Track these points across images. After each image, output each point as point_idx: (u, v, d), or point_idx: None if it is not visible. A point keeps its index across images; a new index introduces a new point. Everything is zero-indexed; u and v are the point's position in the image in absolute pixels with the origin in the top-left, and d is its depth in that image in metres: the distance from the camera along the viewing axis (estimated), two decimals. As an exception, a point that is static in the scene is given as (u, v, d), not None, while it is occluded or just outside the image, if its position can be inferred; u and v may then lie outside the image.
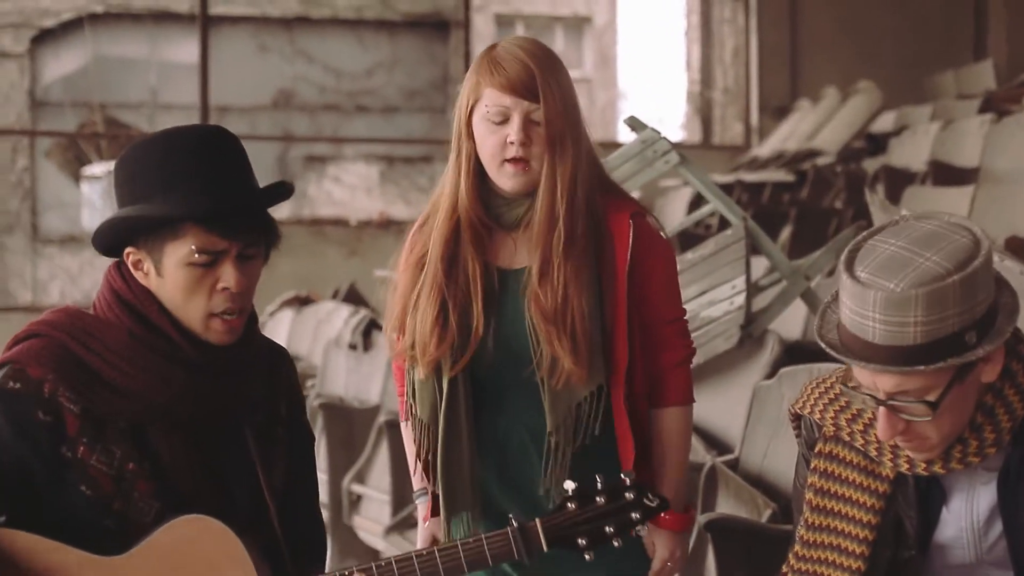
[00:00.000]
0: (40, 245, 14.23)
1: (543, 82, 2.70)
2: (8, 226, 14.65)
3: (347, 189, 14.89)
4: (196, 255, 2.23)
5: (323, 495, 6.21)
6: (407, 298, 2.79)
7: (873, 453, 2.25)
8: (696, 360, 3.01)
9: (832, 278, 5.32)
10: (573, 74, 2.81)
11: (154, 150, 2.28)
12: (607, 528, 2.33)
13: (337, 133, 14.58)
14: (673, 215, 8.68)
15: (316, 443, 6.60)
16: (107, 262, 2.35)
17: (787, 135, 10.55)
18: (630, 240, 2.76)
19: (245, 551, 2.24)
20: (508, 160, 2.71)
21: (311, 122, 14.93)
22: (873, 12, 11.49)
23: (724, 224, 4.96)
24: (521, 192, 2.76)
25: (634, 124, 4.57)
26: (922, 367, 2.03)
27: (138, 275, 2.29)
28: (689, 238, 6.88)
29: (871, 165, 8.89)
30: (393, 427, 5.42)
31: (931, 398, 2.07)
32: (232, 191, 2.26)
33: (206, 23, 12.52)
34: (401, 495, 5.57)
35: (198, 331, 2.28)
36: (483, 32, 16.15)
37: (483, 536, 2.35)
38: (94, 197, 13.81)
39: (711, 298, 4.51)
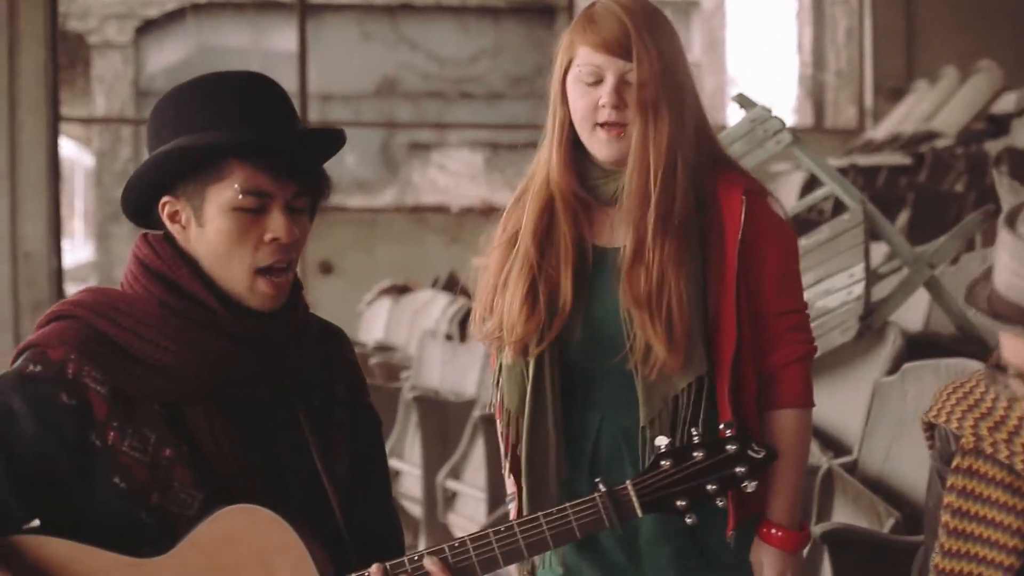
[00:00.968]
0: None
1: (639, 40, 2.49)
2: (114, 214, 14.82)
3: (451, 176, 14.85)
4: (242, 196, 2.02)
5: (417, 490, 6.08)
6: (497, 277, 2.60)
7: (1020, 467, 1.97)
8: (811, 354, 2.73)
9: (956, 266, 5.04)
10: (681, 59, 2.58)
11: (192, 91, 2.08)
12: (708, 486, 2.09)
13: (441, 120, 14.50)
14: (784, 200, 8.33)
15: (411, 438, 6.41)
16: None
17: (903, 117, 10.19)
18: (741, 219, 2.53)
19: (301, 543, 2.01)
20: (600, 124, 2.51)
21: (415, 109, 14.91)
22: (992, -10, 11.10)
23: (839, 208, 4.69)
24: (616, 160, 2.54)
25: (743, 102, 4.31)
26: None
27: (174, 229, 2.06)
28: (802, 224, 6.57)
29: (993, 147, 8.51)
30: (489, 422, 5.25)
31: None
32: (282, 127, 2.06)
33: (304, 11, 12.48)
34: (498, 493, 5.38)
35: (240, 293, 2.05)
36: (588, 17, 15.87)
37: (567, 505, 2.12)
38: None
39: (827, 287, 4.24)
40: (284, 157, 2.05)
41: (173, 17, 14.98)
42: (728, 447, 2.10)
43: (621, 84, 2.51)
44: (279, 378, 2.10)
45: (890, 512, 3.54)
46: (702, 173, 2.57)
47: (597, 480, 2.11)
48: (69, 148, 16.27)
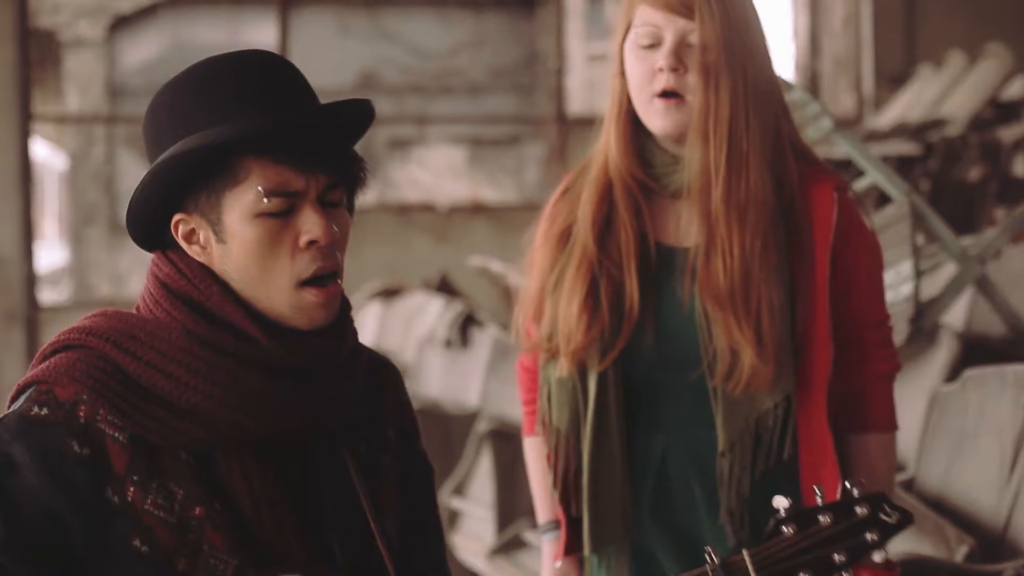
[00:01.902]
0: (119, 236, 13.95)
1: None
2: (86, 217, 14.49)
3: (433, 173, 14.67)
4: (266, 199, 1.69)
5: (418, 509, 5.72)
6: (545, 278, 2.32)
7: None
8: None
9: (997, 261, 4.70)
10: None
11: (187, 83, 1.74)
12: (835, 556, 1.78)
13: (422, 115, 14.30)
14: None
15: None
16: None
17: (909, 104, 9.88)
18: (833, 220, 2.26)
19: None
20: (658, 95, 2.22)
21: (395, 104, 14.66)
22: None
23: (882, 200, 4.35)
24: (674, 134, 2.24)
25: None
26: None
27: (194, 251, 1.75)
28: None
29: (1007, 134, 8.20)
30: (498, 437, 4.96)
31: None
32: (301, 109, 1.73)
33: (285, 5, 12.21)
34: (507, 511, 5.07)
35: (284, 313, 1.72)
36: (573, 8, 15.74)
37: None
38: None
39: (873, 287, 3.88)
40: (307, 143, 1.70)
41: (147, 12, 14.77)
42: (858, 509, 1.80)
43: (681, 46, 2.23)
44: (330, 418, 1.77)
45: (962, 538, 3.20)
46: (785, 159, 2.27)
47: (708, 549, 1.79)
48: (41, 149, 16.04)
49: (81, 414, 1.69)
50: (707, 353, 2.24)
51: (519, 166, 14.62)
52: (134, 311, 1.78)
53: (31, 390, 1.71)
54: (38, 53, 13.57)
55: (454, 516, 5.49)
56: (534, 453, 2.43)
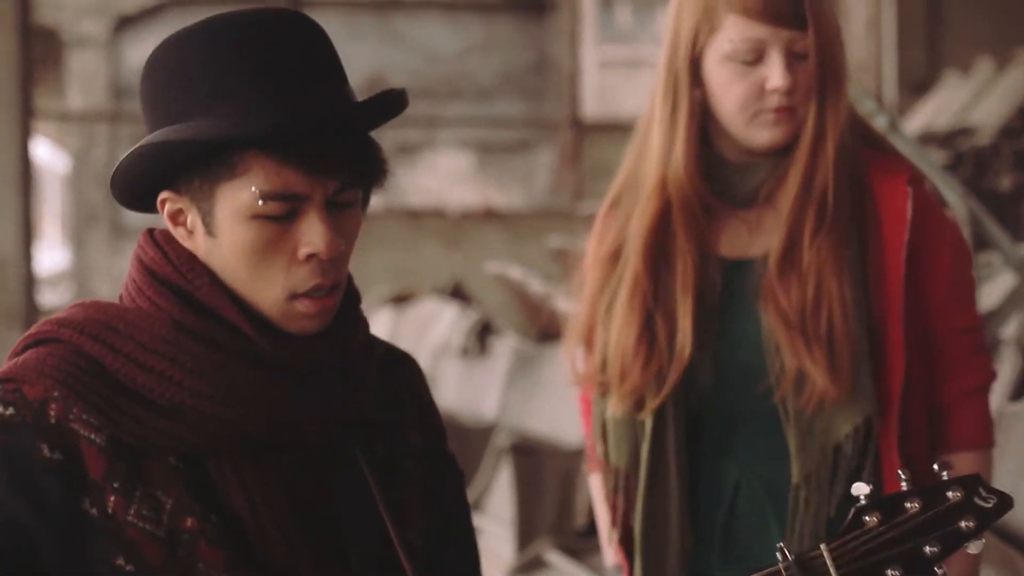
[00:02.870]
0: (122, 238, 13.92)
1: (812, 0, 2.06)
2: (88, 218, 14.37)
3: (441, 178, 14.55)
4: (262, 202, 1.49)
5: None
6: (596, 303, 2.15)
7: None
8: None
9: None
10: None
11: (195, 45, 1.52)
12: (927, 547, 1.57)
13: (430, 119, 14.23)
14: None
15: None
16: None
17: (935, 111, 9.68)
18: (908, 215, 2.07)
19: None
20: (772, 110, 2.07)
21: None
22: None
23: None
24: (778, 146, 2.08)
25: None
26: None
27: (178, 234, 1.57)
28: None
29: (1040, 143, 8.01)
30: (518, 452, 4.79)
31: None
32: (316, 99, 1.50)
33: (293, 7, 12.04)
34: (527, 529, 4.93)
35: (274, 319, 1.54)
36: (585, 13, 15.63)
37: None
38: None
39: (930, 298, 3.67)
40: (319, 144, 1.49)
41: (151, 13, 14.68)
42: (950, 494, 1.59)
43: (790, 60, 2.05)
44: (336, 419, 1.58)
45: (1036, 572, 2.97)
46: (858, 155, 2.11)
47: (781, 544, 1.58)
48: (43, 149, 15.93)
49: (52, 413, 1.50)
50: (773, 369, 2.06)
51: (529, 171, 14.55)
52: (117, 301, 1.59)
53: None
54: (40, 51, 13.46)
55: (470, 534, 5.32)
56: (598, 492, 2.25)
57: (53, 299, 14.14)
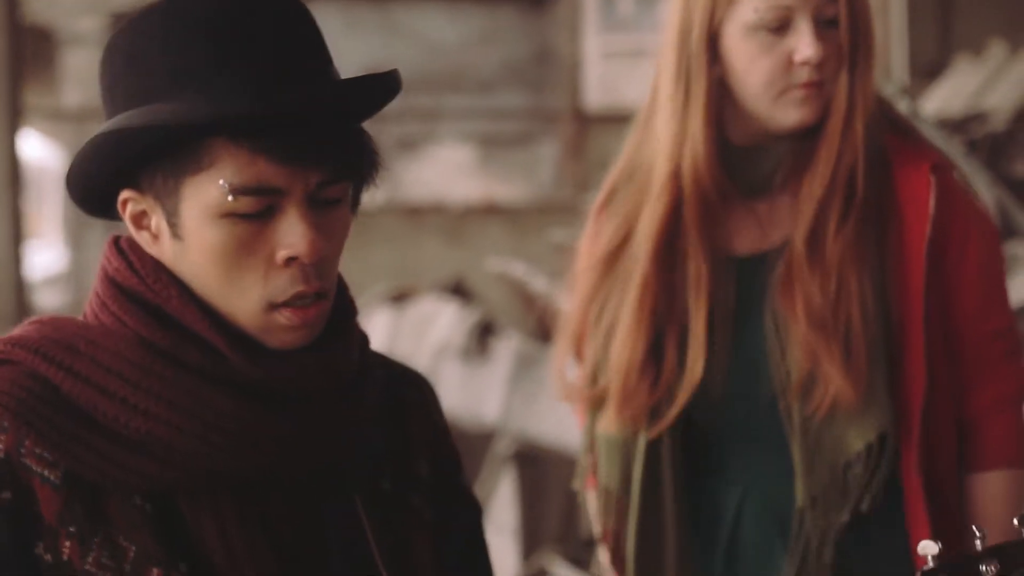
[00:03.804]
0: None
1: None
2: (85, 219, 14.22)
3: (443, 171, 14.45)
4: (232, 197, 1.34)
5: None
6: (587, 309, 1.98)
7: None
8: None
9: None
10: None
11: (157, 22, 1.36)
12: None
13: (431, 112, 14.17)
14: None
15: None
16: None
17: (948, 96, 9.53)
18: (931, 206, 1.93)
19: None
20: (801, 85, 1.93)
21: (403, 101, 14.42)
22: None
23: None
24: (808, 125, 1.93)
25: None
26: None
27: (143, 239, 1.41)
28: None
29: (1058, 127, 7.84)
30: (521, 459, 4.66)
31: None
32: (295, 79, 1.33)
33: None
34: (531, 538, 4.84)
35: (252, 332, 1.38)
36: (584, 3, 15.54)
37: None
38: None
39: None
40: (297, 131, 1.31)
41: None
42: None
43: (818, 28, 1.92)
44: (325, 451, 1.42)
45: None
46: (881, 138, 1.97)
47: None
48: (41, 150, 15.84)
49: (1, 446, 1.35)
50: (779, 373, 1.90)
51: (532, 164, 14.46)
52: (80, 317, 1.42)
53: None
54: (35, 49, 13.35)
55: (472, 543, 5.17)
56: (595, 509, 2.10)
57: (51, 300, 14.04)
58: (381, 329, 7.40)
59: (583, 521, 4.65)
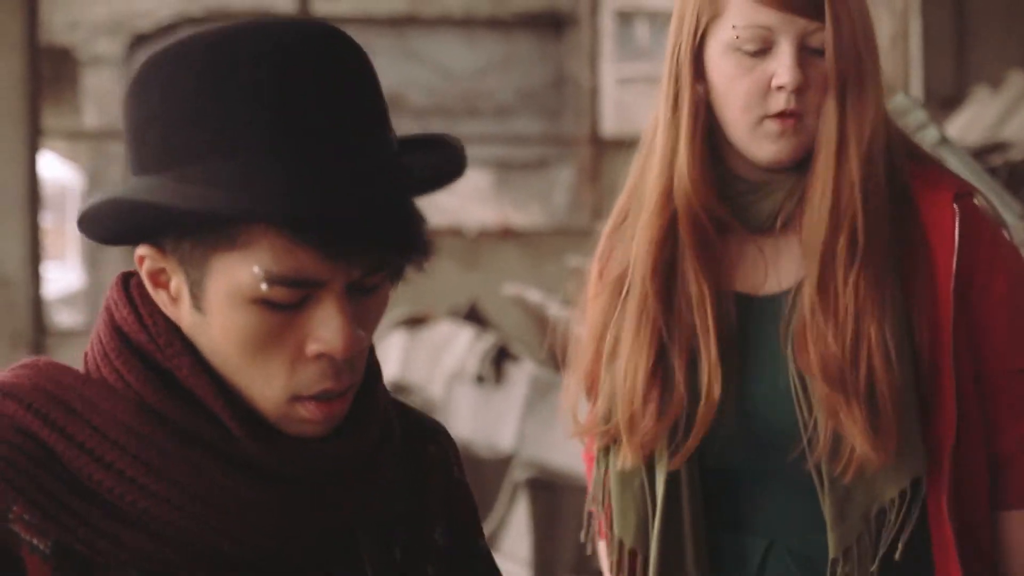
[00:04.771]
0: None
1: None
2: None
3: (459, 196, 14.41)
4: (267, 286, 1.17)
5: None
6: (599, 339, 1.86)
7: None
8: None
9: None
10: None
11: (197, 69, 1.18)
12: None
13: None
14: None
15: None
16: None
17: (965, 127, 9.47)
18: (955, 238, 1.80)
19: None
20: (773, 115, 1.78)
21: (420, 126, 14.39)
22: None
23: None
24: (783, 163, 1.81)
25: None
26: None
27: (160, 298, 1.24)
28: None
29: (1074, 159, 7.76)
30: (536, 486, 4.59)
31: None
32: (346, 161, 1.16)
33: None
34: (545, 568, 4.77)
35: (269, 418, 1.22)
36: (602, 29, 15.51)
37: None
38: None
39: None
40: (348, 224, 1.17)
41: (167, 31, 14.60)
42: None
43: (802, 55, 1.77)
44: (335, 529, 1.28)
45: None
46: (902, 168, 1.84)
47: None
48: (60, 169, 15.87)
49: None
50: (806, 430, 1.79)
51: (548, 189, 14.41)
52: (82, 363, 1.29)
53: None
54: (55, 70, 13.36)
55: (485, 570, 5.13)
56: (607, 562, 1.97)
57: (68, 320, 14.04)
58: (395, 354, 7.35)
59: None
